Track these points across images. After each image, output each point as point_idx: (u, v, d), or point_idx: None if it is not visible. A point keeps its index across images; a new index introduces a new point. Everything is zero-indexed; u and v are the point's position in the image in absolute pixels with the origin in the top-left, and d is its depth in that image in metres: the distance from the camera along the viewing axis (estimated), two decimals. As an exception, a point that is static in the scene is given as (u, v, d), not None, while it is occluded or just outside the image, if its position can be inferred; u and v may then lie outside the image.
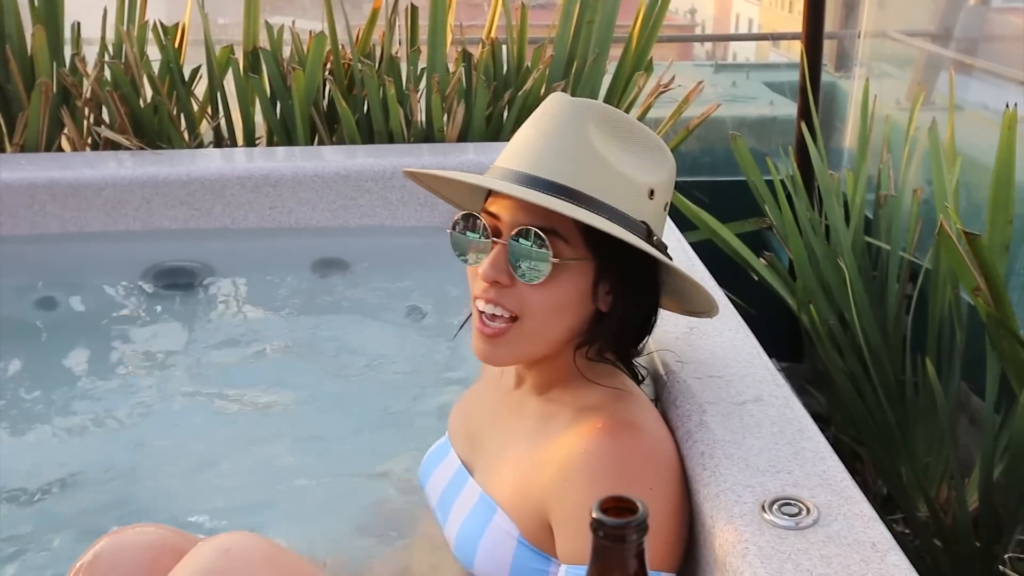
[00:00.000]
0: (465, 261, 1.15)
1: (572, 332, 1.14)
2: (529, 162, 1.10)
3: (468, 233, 1.13)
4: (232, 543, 1.05)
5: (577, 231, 1.09)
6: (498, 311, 1.11)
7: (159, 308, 2.32)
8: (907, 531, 1.92)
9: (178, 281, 2.37)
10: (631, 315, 1.15)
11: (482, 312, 1.12)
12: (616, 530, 0.61)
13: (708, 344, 1.40)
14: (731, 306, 1.55)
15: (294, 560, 1.09)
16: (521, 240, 1.08)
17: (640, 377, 1.23)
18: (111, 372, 2.07)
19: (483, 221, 1.12)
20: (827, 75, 3.15)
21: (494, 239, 1.11)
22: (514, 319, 1.11)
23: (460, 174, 1.17)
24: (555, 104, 1.13)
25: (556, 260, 1.08)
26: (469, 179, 1.16)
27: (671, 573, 1.06)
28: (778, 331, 2.54)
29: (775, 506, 1.01)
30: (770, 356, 1.37)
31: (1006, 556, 1.58)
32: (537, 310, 1.11)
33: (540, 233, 1.07)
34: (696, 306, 1.23)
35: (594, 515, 0.62)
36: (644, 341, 1.22)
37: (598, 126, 1.11)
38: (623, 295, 1.13)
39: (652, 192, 1.13)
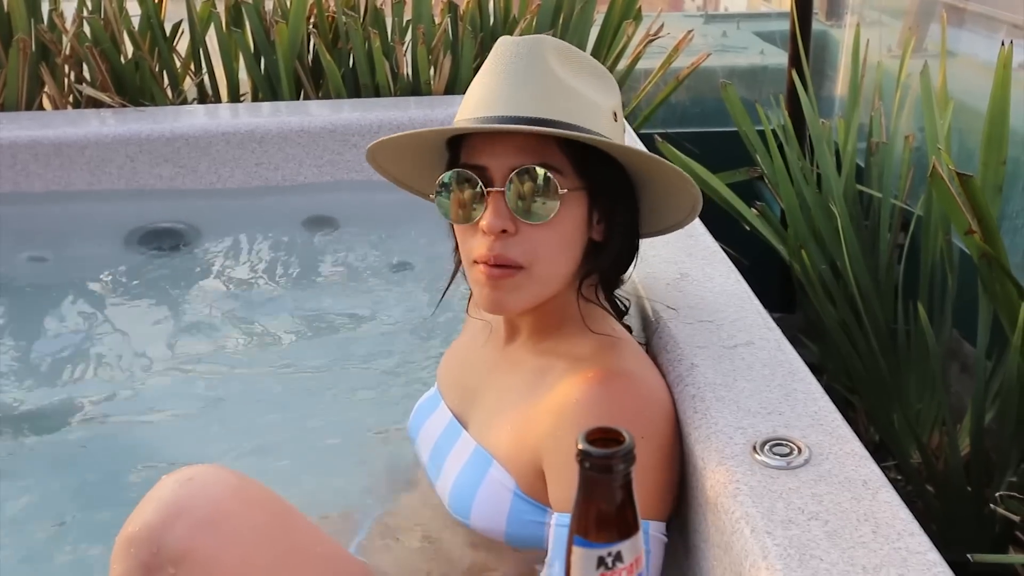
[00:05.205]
0: (457, 222, 1.13)
1: (576, 266, 1.15)
2: (504, 105, 1.08)
3: (456, 191, 1.10)
4: (196, 473, 1.04)
5: (568, 162, 1.09)
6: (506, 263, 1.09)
7: (146, 268, 2.30)
8: (899, 477, 1.92)
9: (165, 241, 2.35)
10: (623, 240, 1.17)
11: (487, 264, 1.10)
12: (602, 460, 0.60)
13: (698, 290, 1.39)
14: (722, 252, 1.54)
15: (263, 492, 1.08)
16: (522, 181, 1.07)
17: (624, 308, 1.24)
18: (98, 332, 2.05)
19: (471, 174, 1.09)
20: (818, 23, 3.11)
21: (490, 188, 1.09)
22: (520, 269, 1.10)
23: (432, 129, 1.14)
24: (507, 46, 1.12)
25: (564, 191, 1.08)
26: (449, 129, 1.12)
27: (660, 521, 1.05)
28: (770, 281, 2.53)
29: (766, 447, 1.01)
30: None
31: (997, 495, 1.58)
32: (545, 251, 1.10)
33: (543, 169, 1.07)
34: (676, 212, 1.20)
35: (580, 446, 0.61)
36: (632, 269, 1.22)
37: (556, 57, 1.11)
38: (614, 220, 1.15)
39: (615, 114, 1.15)
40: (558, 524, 1.04)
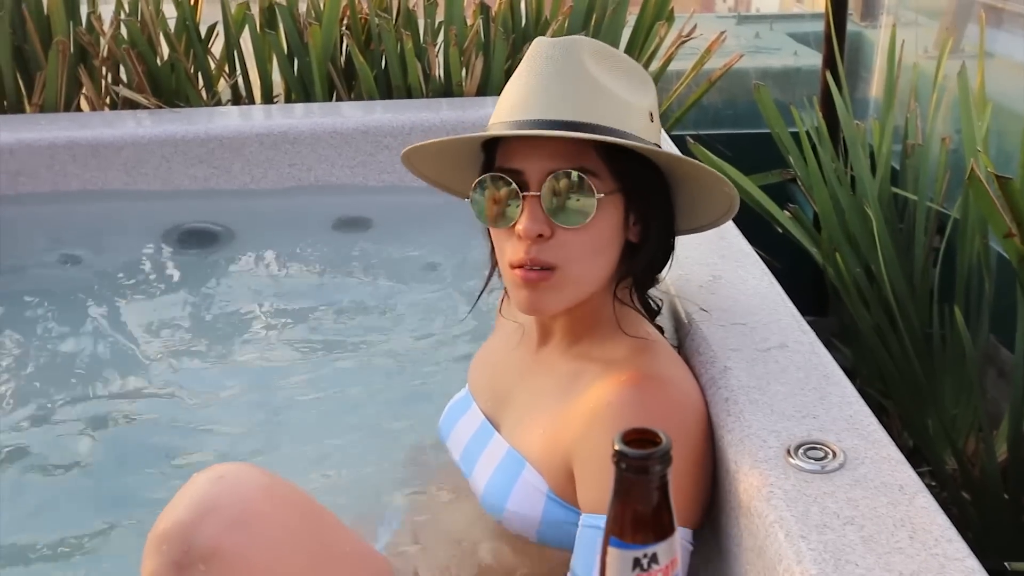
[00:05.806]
0: (492, 226, 1.12)
1: (612, 269, 1.14)
2: (538, 108, 1.08)
3: (492, 195, 1.10)
4: (227, 471, 1.04)
5: (603, 165, 1.09)
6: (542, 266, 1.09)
7: (181, 267, 2.32)
8: (933, 483, 1.90)
9: (200, 241, 2.37)
10: (659, 240, 1.16)
11: (523, 268, 1.10)
12: (639, 461, 0.60)
13: (732, 292, 1.38)
14: (755, 255, 1.53)
15: (293, 491, 1.08)
16: (558, 185, 1.07)
17: (657, 308, 1.23)
18: (134, 331, 2.07)
19: (506, 178, 1.09)
20: (853, 25, 3.08)
21: (525, 192, 1.08)
22: (556, 271, 1.09)
23: (466, 136, 1.13)
24: (543, 48, 1.12)
25: (600, 195, 1.07)
26: (483, 136, 1.12)
27: (688, 528, 1.05)
28: (803, 285, 2.50)
29: (801, 450, 1.00)
30: (794, 309, 1.35)
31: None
32: (581, 255, 1.09)
33: (579, 174, 1.06)
34: (713, 210, 1.19)
35: (616, 447, 0.60)
36: (667, 268, 1.21)
37: (592, 58, 1.11)
38: (650, 221, 1.14)
39: (651, 115, 1.14)
40: (585, 524, 1.04)
